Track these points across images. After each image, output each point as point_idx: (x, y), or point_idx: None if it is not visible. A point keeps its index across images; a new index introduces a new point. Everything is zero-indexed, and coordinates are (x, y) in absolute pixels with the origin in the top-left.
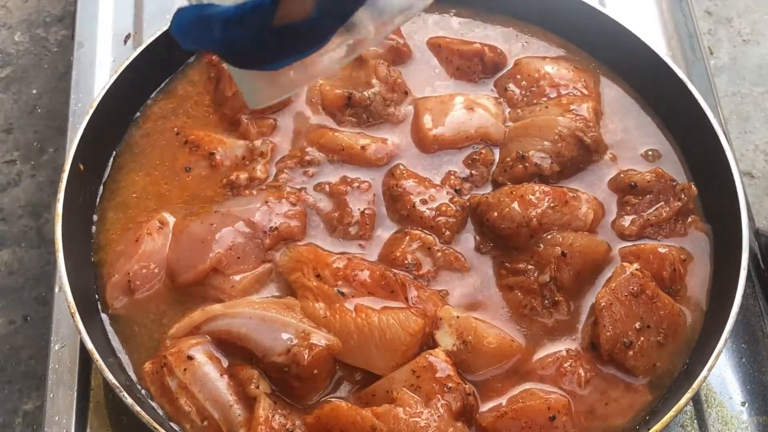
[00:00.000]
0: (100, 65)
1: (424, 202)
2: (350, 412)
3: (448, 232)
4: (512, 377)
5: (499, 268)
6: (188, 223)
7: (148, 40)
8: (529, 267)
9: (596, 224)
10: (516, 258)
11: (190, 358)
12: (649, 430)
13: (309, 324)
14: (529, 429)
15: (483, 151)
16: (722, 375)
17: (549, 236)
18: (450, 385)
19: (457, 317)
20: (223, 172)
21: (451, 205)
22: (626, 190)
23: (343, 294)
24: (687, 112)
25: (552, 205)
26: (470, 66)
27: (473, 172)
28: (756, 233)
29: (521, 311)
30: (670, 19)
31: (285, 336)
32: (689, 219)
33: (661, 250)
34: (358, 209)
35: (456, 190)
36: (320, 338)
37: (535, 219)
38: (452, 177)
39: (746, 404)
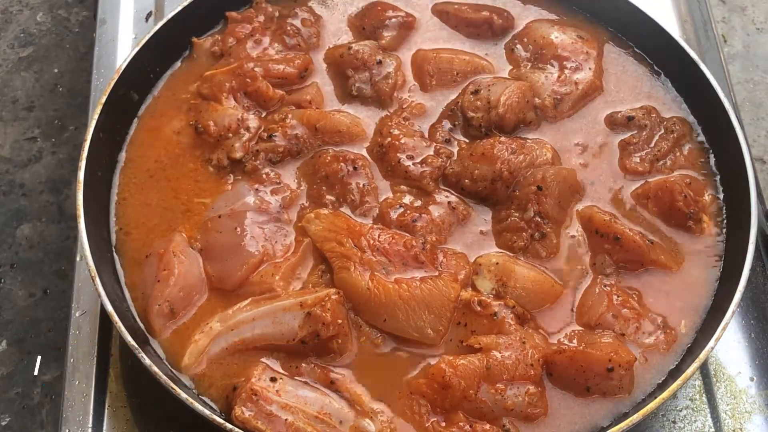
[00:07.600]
0: (122, 42)
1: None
2: (463, 365)
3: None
4: (564, 317)
5: (491, 223)
6: (208, 238)
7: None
8: (513, 211)
9: (557, 159)
10: (500, 210)
11: (273, 380)
12: (656, 398)
13: (301, 294)
14: (584, 373)
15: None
16: (731, 351)
17: (521, 179)
18: (493, 310)
19: (497, 263)
20: (204, 140)
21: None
22: (623, 123)
23: (385, 265)
24: (701, 97)
25: (513, 151)
26: (479, 33)
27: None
28: (766, 215)
29: (514, 250)
30: (685, 6)
31: (294, 313)
32: (686, 148)
33: (666, 182)
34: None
35: (446, 140)
36: (324, 294)
37: (504, 170)
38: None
39: (754, 379)
